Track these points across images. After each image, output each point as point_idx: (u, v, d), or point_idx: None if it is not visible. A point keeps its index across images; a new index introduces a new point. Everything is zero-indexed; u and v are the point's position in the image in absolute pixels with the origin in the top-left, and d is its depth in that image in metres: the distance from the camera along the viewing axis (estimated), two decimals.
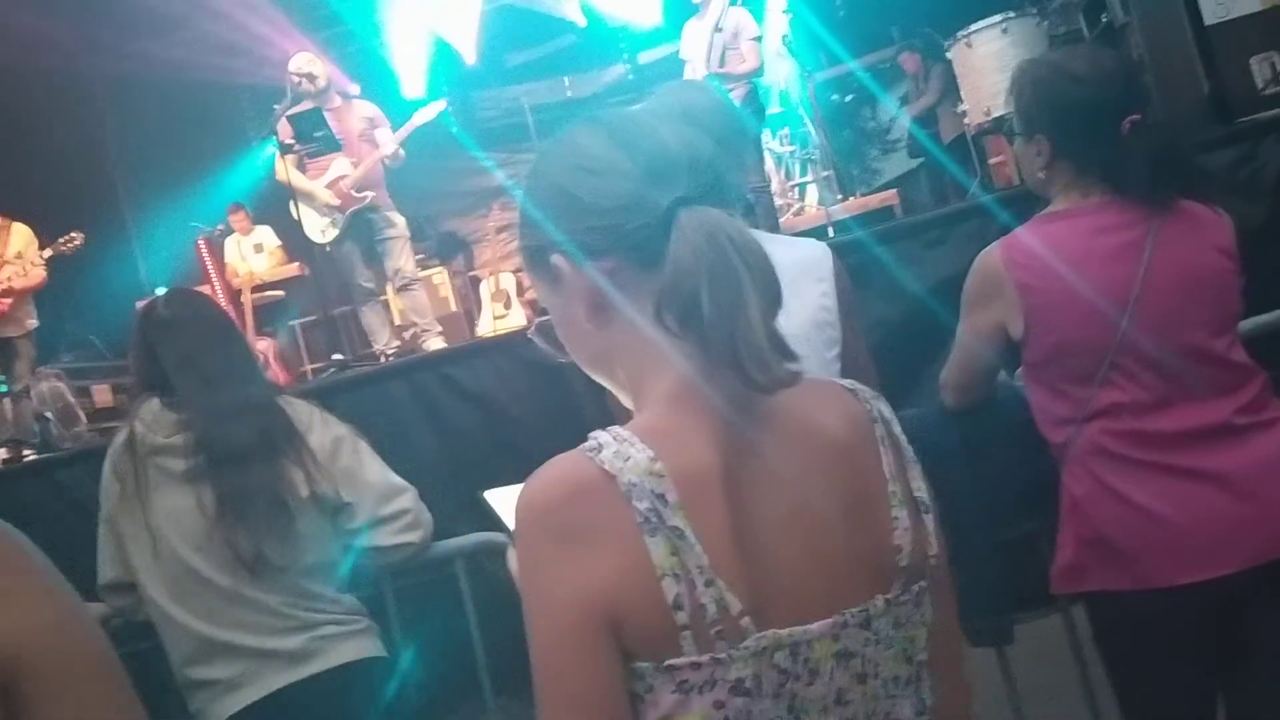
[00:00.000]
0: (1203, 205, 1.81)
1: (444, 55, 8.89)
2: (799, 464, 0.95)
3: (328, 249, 5.92)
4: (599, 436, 0.91)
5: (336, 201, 5.77)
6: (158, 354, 2.25)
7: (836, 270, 1.90)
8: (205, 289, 7.07)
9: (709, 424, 0.92)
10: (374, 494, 2.29)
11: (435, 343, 5.87)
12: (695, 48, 5.92)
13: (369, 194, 5.77)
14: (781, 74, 7.07)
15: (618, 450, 0.89)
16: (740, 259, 0.91)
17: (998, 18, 5.44)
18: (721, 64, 5.76)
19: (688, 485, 0.88)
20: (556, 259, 0.99)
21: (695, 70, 5.86)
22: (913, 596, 0.97)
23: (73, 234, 5.72)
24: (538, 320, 1.10)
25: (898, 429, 1.03)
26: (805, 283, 1.86)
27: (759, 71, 5.92)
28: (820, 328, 1.86)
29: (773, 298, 0.92)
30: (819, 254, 1.92)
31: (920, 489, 1.02)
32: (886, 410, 1.04)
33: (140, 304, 2.42)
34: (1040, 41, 5.35)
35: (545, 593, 0.88)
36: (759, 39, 5.90)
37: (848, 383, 1.06)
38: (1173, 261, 1.75)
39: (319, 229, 5.83)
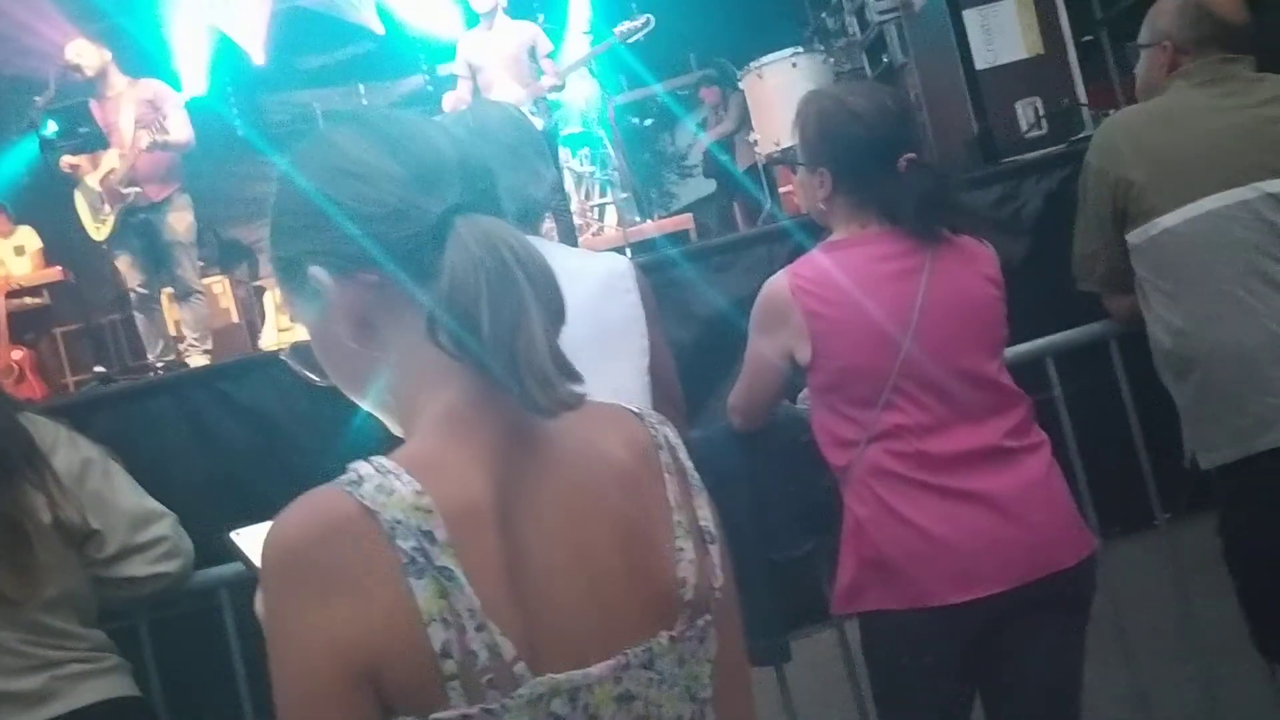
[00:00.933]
0: (970, 238, 1.90)
1: (229, 53, 8.48)
2: (578, 495, 0.89)
3: (103, 247, 5.48)
4: (359, 468, 0.82)
5: (105, 197, 5.36)
6: None
7: (640, 281, 1.92)
8: None
9: (482, 453, 0.85)
10: (126, 520, 2.11)
11: (198, 360, 5.53)
12: (486, 59, 5.85)
13: (135, 190, 5.36)
14: (582, 94, 7.10)
15: (380, 483, 0.80)
16: (522, 271, 0.84)
17: (788, 52, 5.65)
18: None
19: (458, 521, 0.80)
20: (314, 271, 0.89)
21: (488, 81, 5.80)
22: (697, 631, 0.92)
23: None
24: (291, 342, 1.01)
25: (684, 455, 0.99)
26: (615, 293, 1.87)
27: (561, 87, 5.94)
28: (631, 337, 1.87)
29: (556, 312, 0.87)
30: (624, 266, 1.93)
31: (706, 518, 0.97)
32: (673, 435, 0.99)
33: None
34: (827, 77, 5.60)
35: (292, 643, 0.79)
36: (553, 55, 5.92)
37: (633, 406, 1.01)
38: (947, 288, 1.83)
39: (94, 227, 5.40)
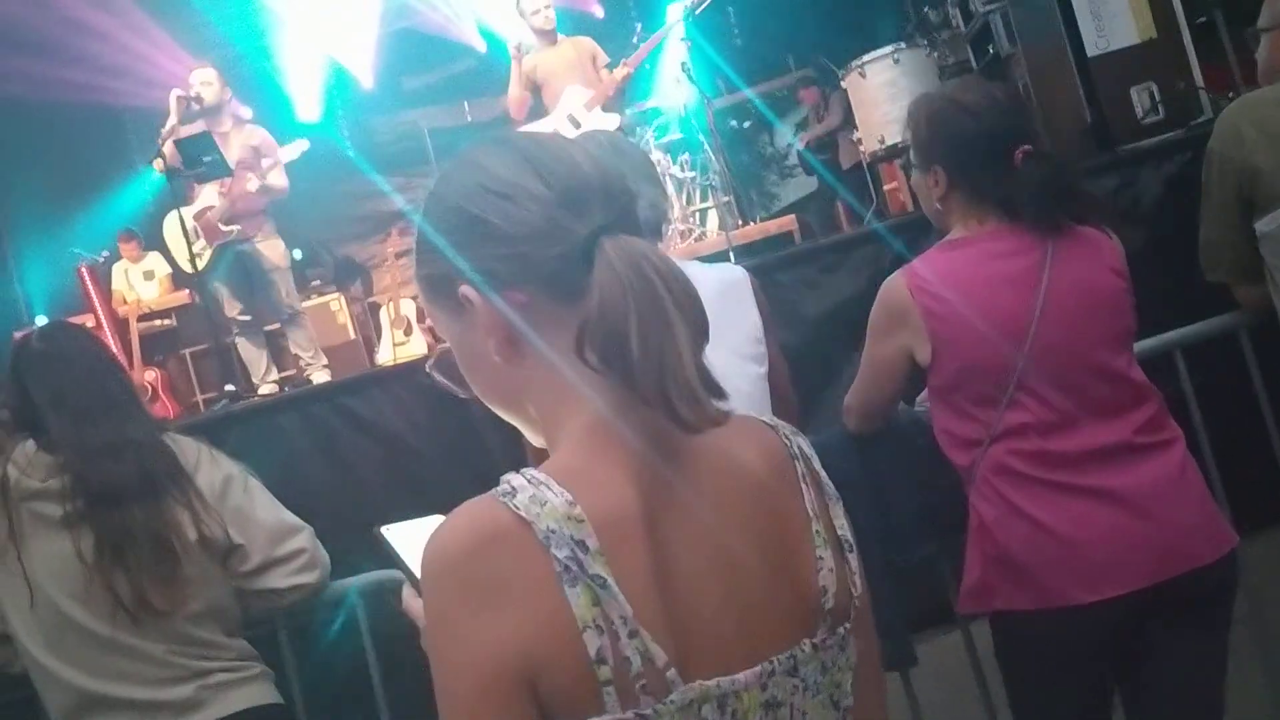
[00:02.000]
0: (1094, 228, 1.86)
1: (339, 78, 8.76)
2: (720, 505, 0.90)
3: (198, 278, 5.72)
4: (512, 480, 0.85)
5: (202, 232, 5.59)
6: (30, 391, 2.14)
7: (756, 290, 1.93)
8: (88, 319, 6.81)
9: (629, 464, 0.87)
10: (267, 534, 2.20)
11: (321, 376, 5.71)
12: (550, 72, 5.85)
13: (235, 228, 5.58)
14: (680, 100, 7.12)
15: (534, 495, 0.83)
16: (668, 291, 0.86)
17: (889, 48, 5.57)
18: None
19: (608, 530, 0.83)
20: (465, 289, 0.92)
21: (555, 92, 5.79)
22: (838, 640, 0.93)
23: None
24: (438, 351, 1.04)
25: (818, 465, 1.00)
26: (733, 304, 1.89)
27: (628, 99, 5.98)
28: (750, 345, 1.89)
29: (700, 331, 0.88)
30: (739, 276, 1.95)
31: (843, 526, 0.98)
32: (806, 446, 1.01)
33: (16, 336, 2.31)
34: (930, 71, 5.50)
35: (456, 651, 0.82)
36: (609, 66, 5.92)
37: (768, 418, 1.04)
38: (1070, 282, 1.80)
39: (188, 259, 5.63)
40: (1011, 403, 1.80)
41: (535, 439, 0.99)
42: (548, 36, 5.91)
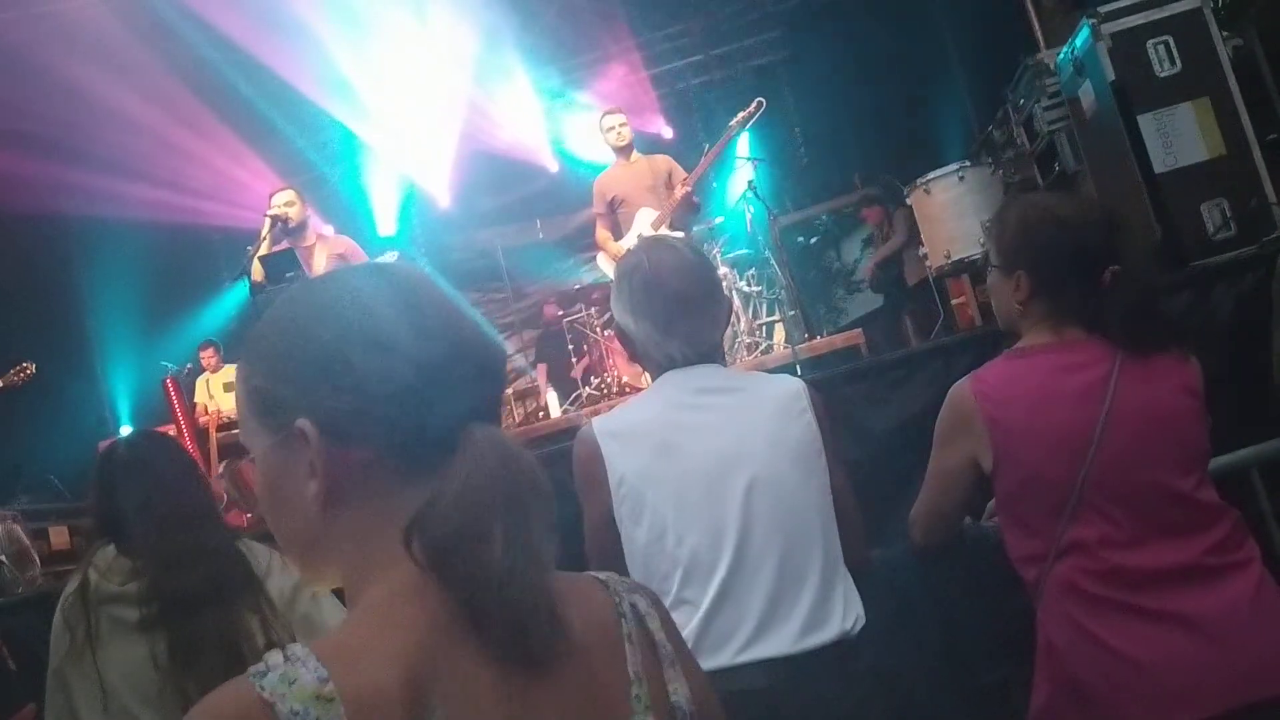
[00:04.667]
0: (1172, 350, 1.84)
1: (417, 198, 9.09)
2: (519, 674, 0.83)
3: None
4: (270, 657, 0.79)
5: None
6: (116, 497, 2.21)
7: (815, 401, 1.93)
8: (170, 428, 7.00)
9: (408, 641, 0.80)
10: None
11: None
12: (626, 191, 6.02)
13: None
14: (747, 217, 7.25)
15: (284, 673, 0.77)
16: (534, 495, 0.83)
17: (954, 166, 5.63)
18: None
19: (363, 709, 0.76)
20: (304, 425, 0.85)
21: (630, 213, 5.96)
22: None
23: (24, 364, 5.63)
24: (232, 464, 0.99)
25: (654, 625, 0.95)
26: (791, 415, 1.88)
27: (698, 206, 6.12)
28: (810, 457, 1.87)
29: (551, 534, 0.85)
30: (797, 388, 1.95)
31: (677, 692, 0.92)
32: (643, 604, 0.95)
33: (102, 445, 2.40)
34: (995, 188, 5.54)
35: None
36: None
37: (602, 575, 0.98)
38: (1136, 401, 1.78)
39: None
40: (1074, 517, 1.77)
41: (318, 583, 0.93)
42: (623, 153, 6.11)
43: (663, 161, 6.18)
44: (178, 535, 2.17)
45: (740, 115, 6.10)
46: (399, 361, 0.85)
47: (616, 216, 6.08)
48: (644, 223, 5.85)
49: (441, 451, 0.84)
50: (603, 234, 6.14)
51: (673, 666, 0.93)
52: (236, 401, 0.94)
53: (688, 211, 6.04)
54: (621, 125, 6.06)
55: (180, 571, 2.13)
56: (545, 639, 0.82)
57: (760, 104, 6.04)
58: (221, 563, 2.18)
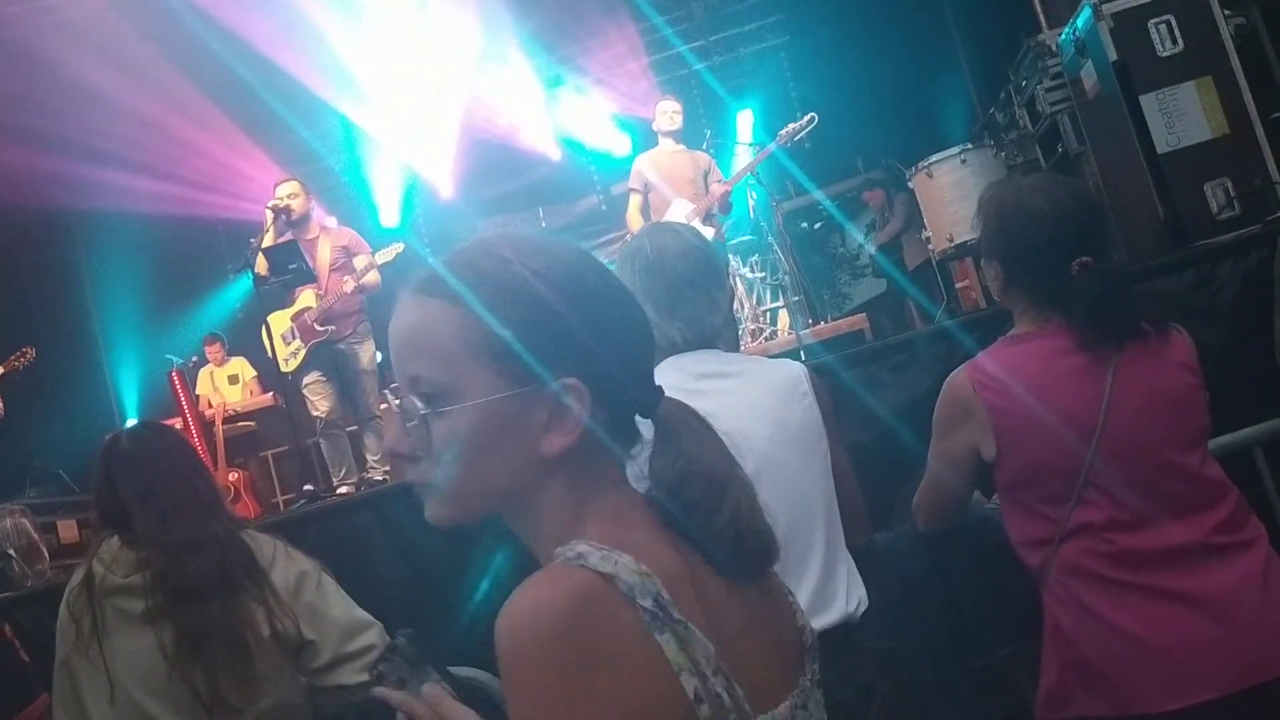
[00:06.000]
0: (1163, 325, 1.84)
1: (420, 188, 9.09)
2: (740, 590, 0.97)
3: (290, 378, 5.89)
4: (576, 546, 0.86)
5: (298, 333, 5.78)
6: (118, 488, 2.22)
7: (816, 385, 1.93)
8: (176, 421, 7.02)
9: (660, 535, 0.92)
10: (338, 631, 2.23)
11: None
12: (662, 178, 6.06)
13: (330, 328, 5.76)
14: (750, 203, 7.24)
15: (603, 555, 0.84)
16: (727, 456, 1.00)
17: (956, 149, 5.62)
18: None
19: (673, 584, 0.85)
20: (574, 382, 0.92)
21: (660, 199, 5.99)
22: (816, 676, 1.00)
23: (24, 349, 5.63)
24: (414, 413, 0.94)
25: None
26: (793, 398, 1.89)
27: (730, 207, 6.14)
28: (811, 439, 1.88)
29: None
30: (797, 371, 1.96)
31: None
32: None
33: (107, 436, 2.41)
34: (998, 170, 5.53)
35: None
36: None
37: None
38: (1137, 379, 1.78)
39: (283, 358, 5.81)
40: (1081, 500, 1.77)
41: (531, 543, 0.97)
42: (669, 139, 6.17)
43: (704, 159, 6.23)
44: (181, 525, 2.17)
45: (791, 126, 6.13)
46: (647, 333, 0.99)
47: (648, 199, 6.12)
48: (679, 214, 5.87)
49: (634, 421, 0.97)
50: (634, 214, 6.18)
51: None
52: (425, 334, 0.95)
53: (721, 211, 6.10)
54: (675, 112, 6.15)
55: (185, 561, 2.13)
56: (765, 568, 0.97)
57: (813, 118, 6.07)
58: (227, 553, 2.18)
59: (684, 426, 0.96)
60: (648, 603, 0.82)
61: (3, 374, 5.60)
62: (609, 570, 0.82)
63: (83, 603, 2.14)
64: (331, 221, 6.57)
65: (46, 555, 5.47)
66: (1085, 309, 1.79)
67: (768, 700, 0.91)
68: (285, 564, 2.24)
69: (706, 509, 0.92)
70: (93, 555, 2.19)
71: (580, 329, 0.93)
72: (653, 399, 0.97)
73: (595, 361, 0.92)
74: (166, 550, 2.14)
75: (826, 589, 1.78)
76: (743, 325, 6.86)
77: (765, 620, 0.96)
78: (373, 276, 5.85)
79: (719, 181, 6.06)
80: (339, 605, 2.26)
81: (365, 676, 2.23)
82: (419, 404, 0.94)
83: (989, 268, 1.95)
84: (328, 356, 5.83)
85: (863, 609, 1.81)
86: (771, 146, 6.26)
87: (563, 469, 0.93)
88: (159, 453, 2.29)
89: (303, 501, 5.61)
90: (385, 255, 5.90)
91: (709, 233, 5.74)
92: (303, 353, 5.79)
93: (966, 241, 5.48)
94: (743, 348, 6.38)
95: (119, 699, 2.09)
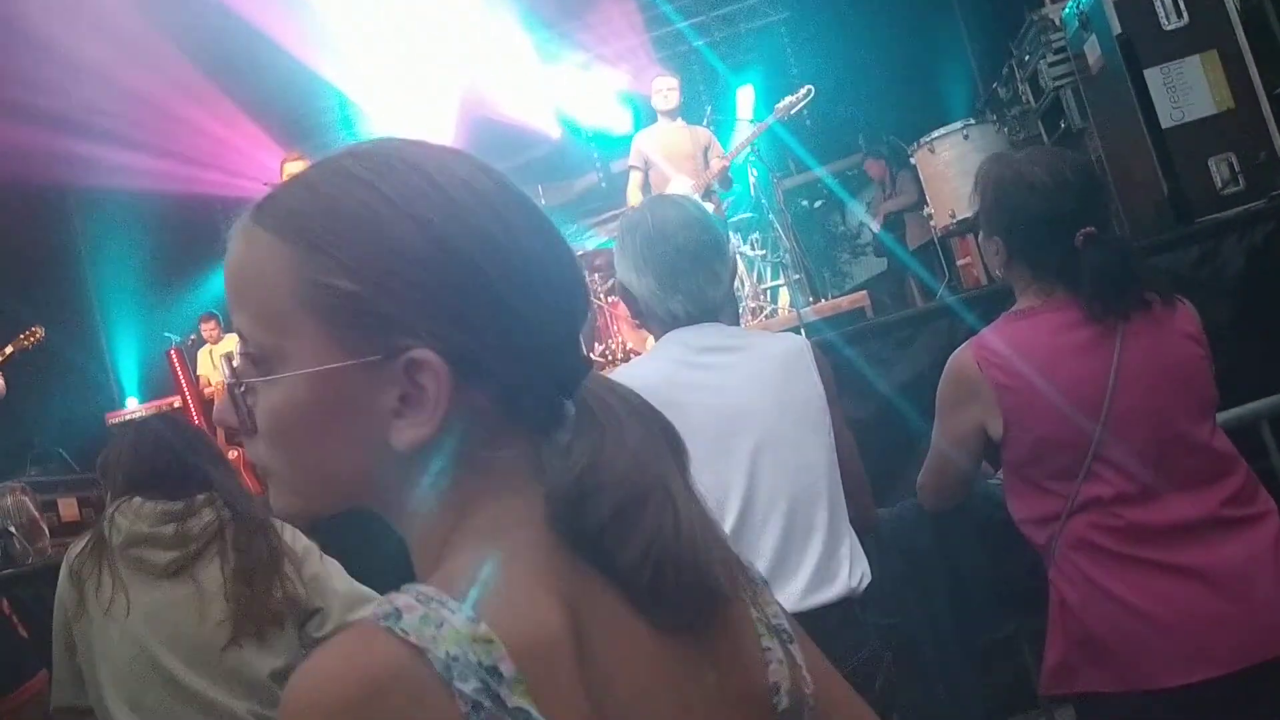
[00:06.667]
0: (1167, 296, 1.82)
1: None
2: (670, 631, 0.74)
3: None
4: (396, 599, 0.64)
5: None
6: (152, 453, 2.29)
7: (818, 359, 1.92)
8: (175, 400, 7.02)
9: (557, 563, 0.69)
10: (342, 601, 2.30)
11: None
12: (662, 155, 6.03)
13: None
14: (751, 180, 7.20)
15: (424, 615, 0.62)
16: (671, 448, 0.77)
17: (959, 124, 5.59)
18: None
19: (529, 653, 0.63)
20: (425, 355, 0.69)
21: (661, 176, 5.96)
22: None
23: (33, 328, 5.64)
24: (242, 375, 0.76)
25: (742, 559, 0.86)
26: (795, 372, 1.87)
27: (731, 183, 6.11)
28: (814, 414, 1.87)
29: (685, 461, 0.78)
30: (800, 345, 1.94)
31: (777, 615, 0.83)
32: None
33: (110, 416, 2.48)
34: (1001, 146, 5.50)
35: None
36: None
37: None
38: (1144, 351, 1.76)
39: None
40: (1089, 475, 1.74)
41: (304, 519, 0.78)
42: (667, 116, 6.14)
43: (704, 134, 6.20)
44: (227, 477, 2.29)
45: (788, 100, 6.10)
46: (540, 292, 0.72)
47: (649, 176, 6.10)
48: (679, 191, 5.85)
49: (551, 404, 0.73)
50: (634, 191, 6.16)
51: (766, 589, 0.85)
52: (248, 283, 0.74)
53: (721, 186, 6.08)
54: (670, 90, 6.10)
55: (240, 500, 2.25)
56: (723, 591, 0.73)
57: (809, 91, 6.03)
58: (242, 503, 2.28)
59: (603, 415, 0.73)
60: (469, 687, 0.60)
61: (11, 353, 5.60)
62: (422, 642, 0.61)
63: (91, 564, 2.18)
64: None
65: (47, 533, 5.49)
66: (1092, 280, 1.77)
67: None
68: (292, 537, 2.30)
69: (613, 535, 0.69)
70: (107, 519, 2.23)
71: (445, 282, 0.69)
72: (567, 377, 0.74)
73: (467, 328, 0.70)
74: (224, 490, 2.26)
75: (829, 564, 1.77)
76: (743, 303, 6.83)
77: (702, 678, 0.73)
78: None
79: (719, 157, 6.03)
80: (341, 579, 2.33)
81: None
82: (243, 366, 0.75)
83: (989, 244, 1.92)
84: None
85: (865, 584, 1.80)
86: (769, 120, 6.23)
87: (430, 465, 0.71)
88: (186, 426, 2.46)
89: None
90: None
91: (709, 209, 5.71)
92: None
93: (969, 218, 5.45)
94: (743, 325, 6.35)
95: (133, 655, 2.10)
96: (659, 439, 0.75)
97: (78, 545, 2.23)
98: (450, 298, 0.69)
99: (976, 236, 6.44)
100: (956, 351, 1.90)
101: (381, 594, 0.70)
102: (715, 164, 5.94)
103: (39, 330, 5.67)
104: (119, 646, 2.11)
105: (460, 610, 0.63)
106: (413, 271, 0.69)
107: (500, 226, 0.72)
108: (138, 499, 2.23)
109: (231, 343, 7.70)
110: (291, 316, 0.71)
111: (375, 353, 0.69)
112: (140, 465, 2.28)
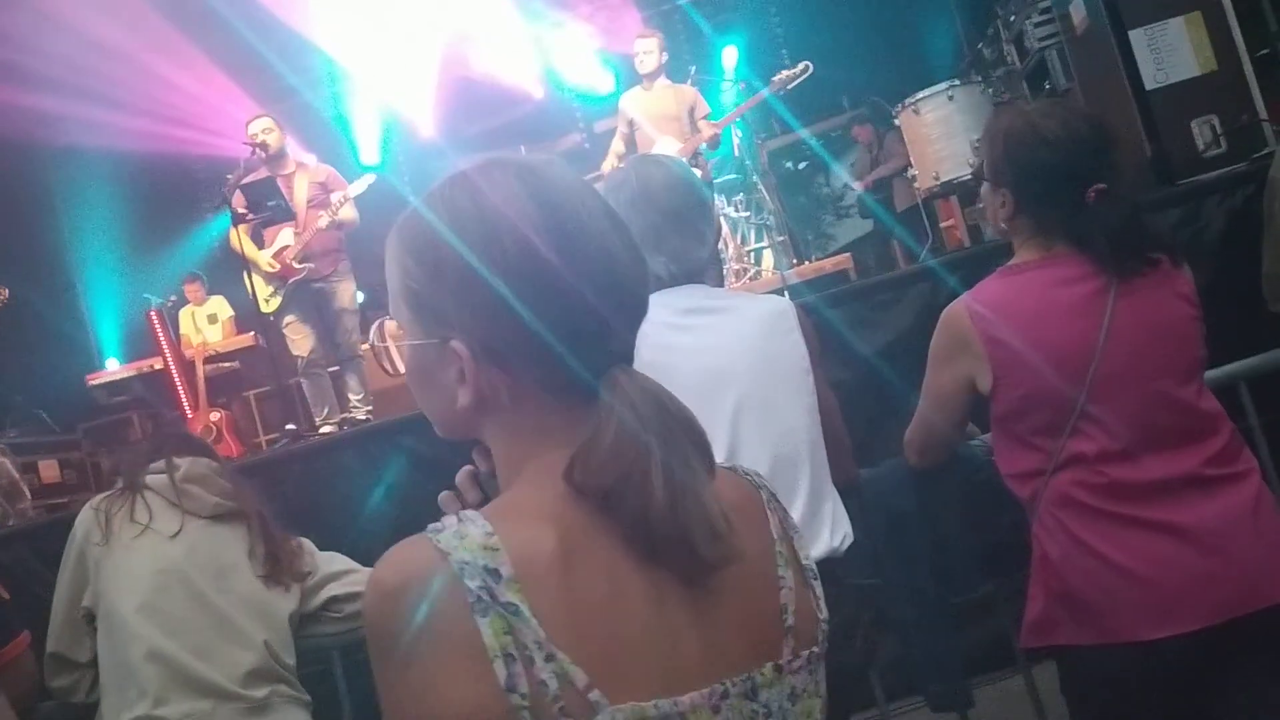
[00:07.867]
0: (1165, 257, 1.82)
1: (401, 126, 8.95)
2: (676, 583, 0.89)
3: (270, 319, 5.85)
4: (447, 519, 0.85)
5: (277, 270, 5.72)
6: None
7: (802, 321, 1.92)
8: (156, 361, 6.97)
9: (568, 506, 0.86)
10: (327, 570, 2.38)
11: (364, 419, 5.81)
12: (646, 116, 6.00)
13: (309, 265, 5.70)
14: (735, 141, 7.17)
15: (457, 529, 0.83)
16: (686, 434, 0.88)
17: (944, 85, 5.57)
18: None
19: (525, 561, 0.82)
20: (458, 346, 0.90)
21: (646, 137, 5.94)
22: (804, 663, 0.92)
23: None
24: (379, 322, 1.01)
25: (780, 503, 1.01)
26: (778, 333, 1.88)
27: (719, 144, 6.08)
28: (797, 375, 1.87)
29: (709, 464, 0.90)
30: (784, 306, 1.94)
31: (807, 558, 0.98)
32: (771, 487, 1.01)
33: (90, 376, 2.52)
34: (985, 108, 5.49)
35: (394, 707, 0.82)
36: (710, 116, 6.04)
37: (730, 464, 1.03)
38: (1136, 310, 1.76)
39: (263, 298, 5.77)
40: (1075, 431, 1.76)
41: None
42: (649, 78, 6.09)
43: (689, 93, 6.15)
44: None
45: (784, 74, 6.06)
46: (565, 300, 0.88)
47: (634, 137, 6.06)
48: (666, 152, 5.81)
49: (587, 390, 0.89)
50: (610, 157, 6.16)
51: (799, 535, 1.00)
52: (388, 275, 0.96)
53: (711, 146, 6.06)
54: (648, 52, 6.04)
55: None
56: (708, 558, 0.86)
57: (807, 67, 5.98)
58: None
59: (620, 402, 0.87)
60: (474, 584, 0.80)
61: None
62: (448, 549, 0.81)
63: (120, 503, 2.26)
64: (310, 159, 6.46)
65: (28, 494, 5.47)
66: (1104, 236, 1.77)
67: (672, 682, 0.84)
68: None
69: (615, 498, 0.85)
70: (143, 470, 2.31)
71: (472, 293, 0.89)
72: (596, 365, 0.89)
73: (491, 327, 0.89)
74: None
75: (811, 524, 1.78)
76: (727, 265, 6.83)
77: (694, 603, 0.87)
78: (348, 212, 5.78)
79: (705, 119, 5.98)
80: (321, 554, 2.42)
81: (354, 588, 2.36)
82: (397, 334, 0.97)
83: (995, 196, 1.91)
84: (307, 296, 5.78)
85: (847, 544, 1.82)
86: (764, 93, 6.20)
87: (495, 419, 0.93)
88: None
89: (285, 441, 5.60)
90: (358, 187, 5.85)
91: (695, 173, 5.69)
92: (283, 291, 5.74)
93: (953, 180, 5.45)
94: (727, 287, 6.35)
95: (159, 568, 2.17)
96: (675, 429, 0.87)
97: (100, 496, 2.31)
98: (479, 303, 0.89)
99: (961, 201, 6.43)
100: (951, 304, 1.90)
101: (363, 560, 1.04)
102: (705, 128, 5.91)
103: (4, 291, 5.62)
104: (145, 561, 2.18)
105: (482, 526, 0.83)
106: (452, 281, 0.90)
107: (530, 248, 0.88)
108: (190, 456, 2.35)
109: (216, 304, 7.67)
110: (402, 303, 0.96)
111: (434, 337, 0.92)
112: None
